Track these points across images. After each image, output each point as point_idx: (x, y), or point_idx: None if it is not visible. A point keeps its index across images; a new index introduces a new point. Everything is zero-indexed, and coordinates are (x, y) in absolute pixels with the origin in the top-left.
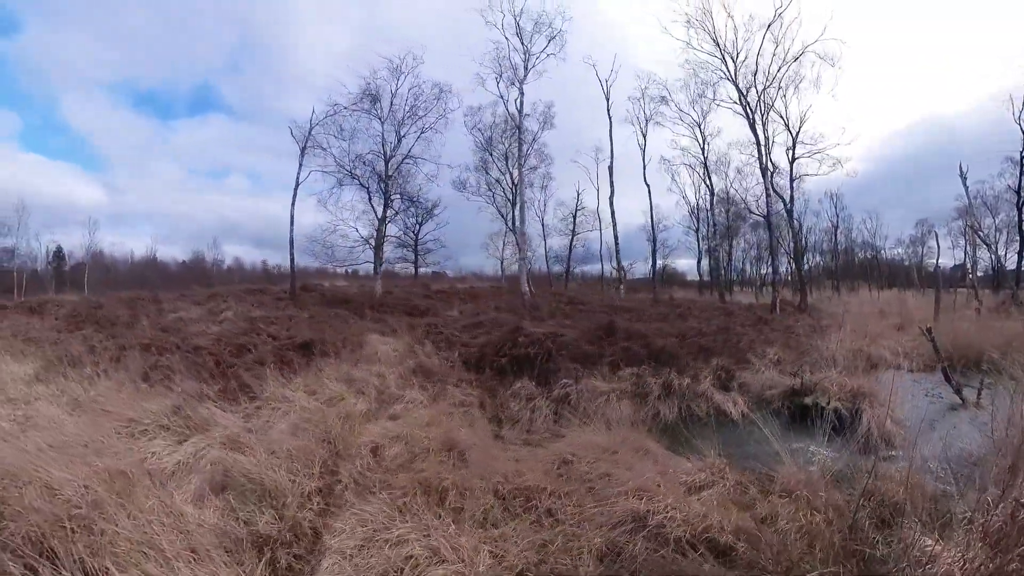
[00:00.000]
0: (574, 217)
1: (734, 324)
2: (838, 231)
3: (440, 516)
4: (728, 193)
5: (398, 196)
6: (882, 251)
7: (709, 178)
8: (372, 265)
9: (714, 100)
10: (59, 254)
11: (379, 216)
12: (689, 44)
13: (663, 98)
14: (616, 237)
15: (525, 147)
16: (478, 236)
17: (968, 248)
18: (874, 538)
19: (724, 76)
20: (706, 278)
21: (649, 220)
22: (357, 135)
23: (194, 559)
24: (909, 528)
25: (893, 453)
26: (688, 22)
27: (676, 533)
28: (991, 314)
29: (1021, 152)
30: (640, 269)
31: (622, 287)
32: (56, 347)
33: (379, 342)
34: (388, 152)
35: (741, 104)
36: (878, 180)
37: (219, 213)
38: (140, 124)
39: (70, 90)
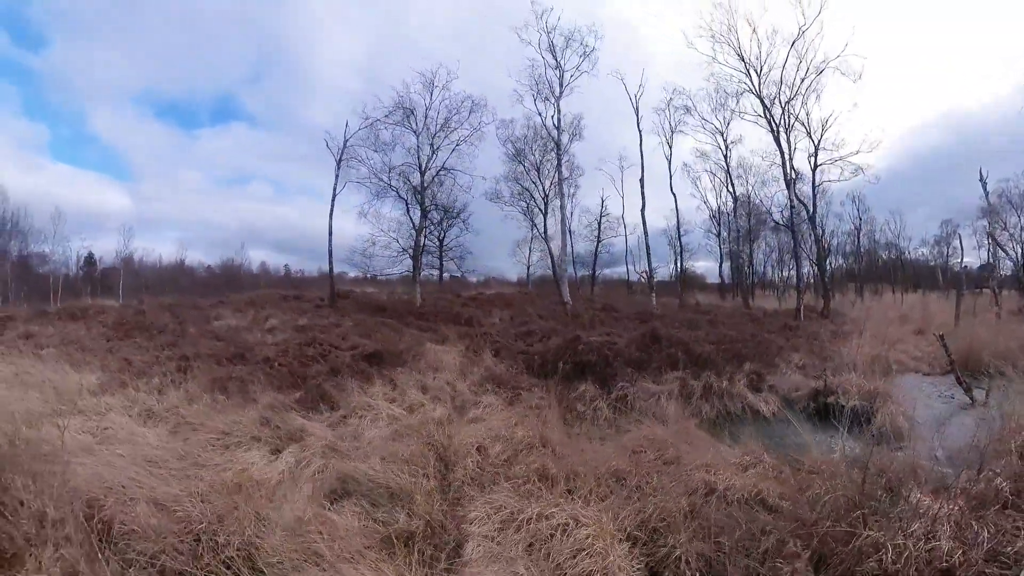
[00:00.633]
0: (599, 224)
1: (762, 331)
2: (861, 233)
3: (560, 496)
4: (749, 197)
5: (433, 207)
6: (906, 252)
7: (731, 183)
8: (398, 272)
9: (737, 110)
10: (90, 259)
11: (416, 227)
12: (715, 59)
13: (687, 108)
14: (648, 248)
15: (557, 159)
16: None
17: (990, 252)
18: (882, 495)
19: (748, 89)
20: (727, 281)
21: (668, 224)
22: (392, 147)
23: (351, 560)
24: (909, 490)
25: (903, 445)
26: (713, 37)
27: (736, 496)
28: (1011, 317)
29: None
30: (661, 272)
31: (653, 295)
32: (111, 356)
33: (437, 351)
34: (423, 164)
35: (765, 117)
36: (902, 176)
37: (241, 219)
38: (165, 134)
39: (97, 102)
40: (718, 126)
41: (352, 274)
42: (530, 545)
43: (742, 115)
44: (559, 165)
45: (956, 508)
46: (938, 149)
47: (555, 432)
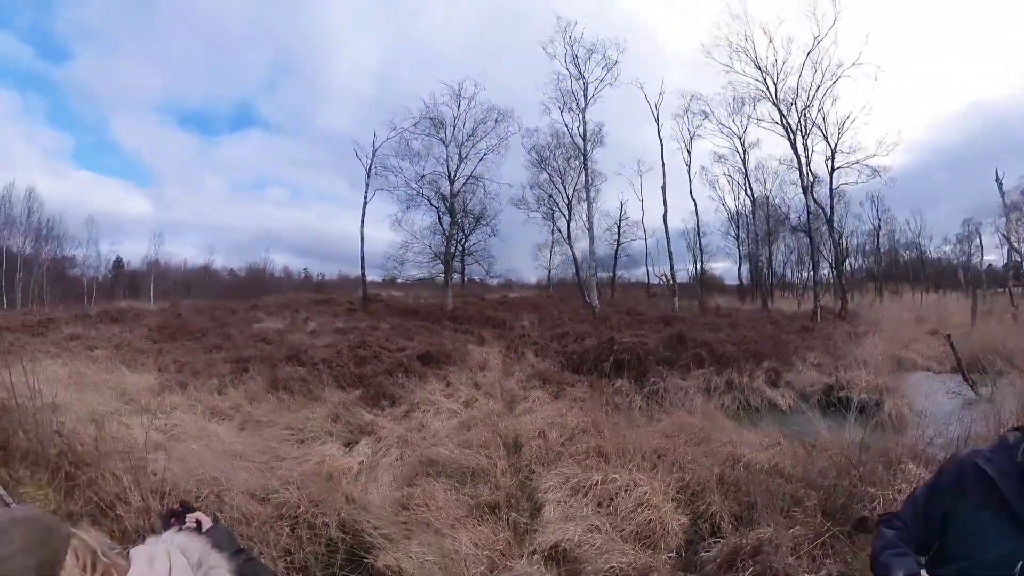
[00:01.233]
0: (618, 228)
1: (780, 333)
2: (880, 233)
3: (615, 467)
4: (768, 199)
5: (464, 214)
6: (927, 251)
7: (749, 186)
8: (420, 276)
9: (754, 116)
10: (119, 263)
11: (446, 233)
12: (731, 68)
13: (705, 114)
14: (670, 252)
15: (580, 166)
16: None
17: (1010, 252)
18: (881, 469)
19: (765, 96)
20: (746, 283)
21: (687, 225)
22: (421, 156)
23: (454, 527)
24: (905, 464)
25: (905, 431)
26: (730, 46)
27: (758, 466)
28: None
29: None
30: (680, 274)
31: (676, 299)
32: (163, 358)
33: (479, 352)
34: (452, 173)
35: (782, 124)
36: (925, 172)
37: (260, 223)
38: (185, 141)
39: (119, 111)
40: (735, 130)
41: (370, 277)
42: (598, 505)
43: (759, 122)
44: (586, 173)
45: None
46: (963, 142)
47: (601, 420)
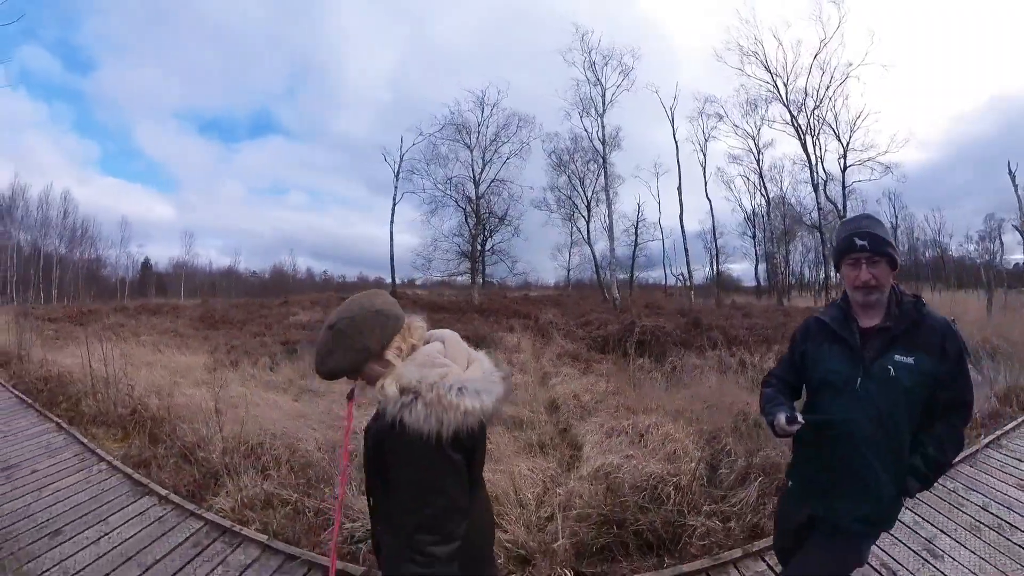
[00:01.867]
0: (635, 228)
1: (790, 322)
2: (898, 231)
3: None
4: (784, 198)
5: (488, 215)
6: (949, 249)
7: (764, 186)
8: (444, 272)
9: (765, 119)
10: (147, 264)
11: (472, 233)
12: (743, 71)
13: (719, 116)
14: (686, 249)
15: (598, 169)
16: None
17: None
18: None
19: (776, 98)
20: (763, 283)
21: (704, 226)
22: (448, 161)
23: (510, 459)
24: None
25: None
26: (741, 50)
27: None
28: None
29: None
30: (697, 275)
31: (692, 293)
32: (208, 343)
33: (509, 337)
34: (476, 176)
35: (793, 125)
36: (945, 169)
37: (280, 227)
38: (206, 148)
39: (142, 120)
40: (749, 131)
41: (388, 279)
42: (630, 443)
43: (771, 124)
44: (605, 175)
45: None
46: (985, 138)
47: (626, 388)
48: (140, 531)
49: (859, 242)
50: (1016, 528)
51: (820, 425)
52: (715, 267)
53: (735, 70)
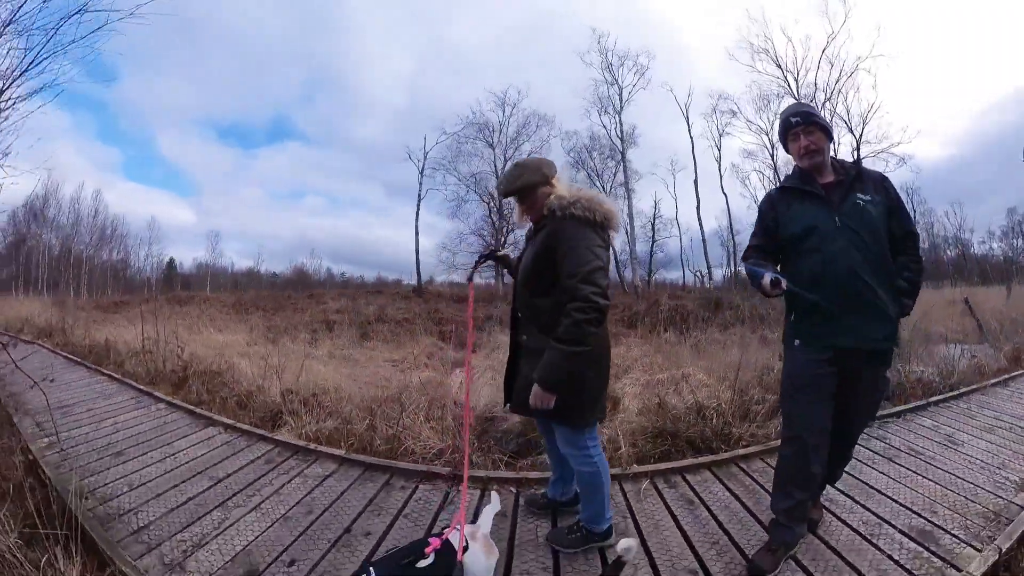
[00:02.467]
0: (652, 225)
1: None
2: (918, 227)
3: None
4: None
5: (510, 209)
6: (971, 246)
7: (779, 181)
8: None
9: (778, 114)
10: (171, 264)
11: (495, 226)
12: (754, 67)
13: (733, 112)
14: (704, 242)
15: (616, 165)
16: None
17: None
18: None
19: (787, 92)
20: None
21: (720, 224)
22: (472, 158)
23: None
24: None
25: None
26: (751, 47)
27: None
28: None
29: None
30: (716, 274)
31: (711, 282)
32: (245, 324)
33: None
34: (499, 173)
35: None
36: (970, 163)
37: (298, 231)
38: (225, 153)
39: (163, 127)
40: (763, 126)
41: (411, 280)
42: (666, 392)
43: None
44: (624, 172)
45: None
46: (1011, 130)
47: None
48: (208, 452)
49: (793, 119)
50: None
51: (796, 295)
52: (732, 263)
53: (747, 67)
